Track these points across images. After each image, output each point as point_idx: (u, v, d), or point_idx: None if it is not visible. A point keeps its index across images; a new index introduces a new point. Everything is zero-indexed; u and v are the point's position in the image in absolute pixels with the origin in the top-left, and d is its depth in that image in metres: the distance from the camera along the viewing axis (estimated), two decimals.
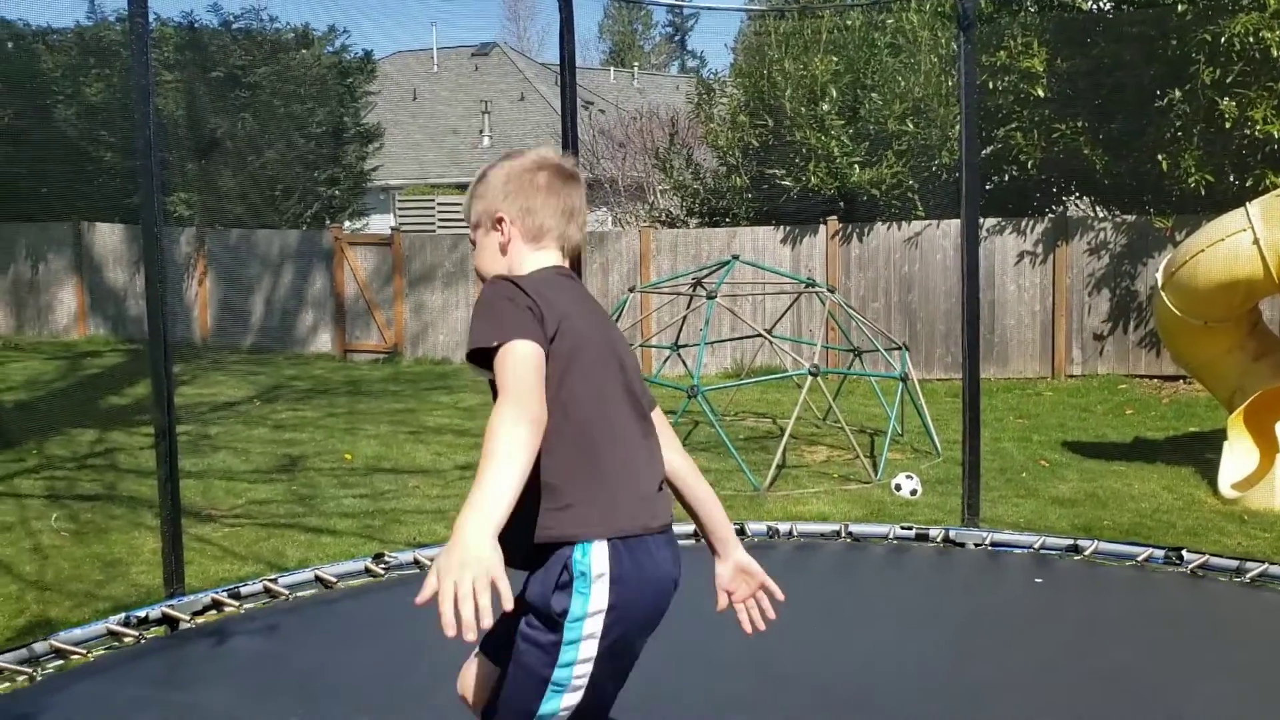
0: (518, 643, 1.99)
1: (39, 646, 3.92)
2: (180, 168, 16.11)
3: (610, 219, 18.40)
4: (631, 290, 10.14)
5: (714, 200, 14.77)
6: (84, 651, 3.97)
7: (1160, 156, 10.51)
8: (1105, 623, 4.31)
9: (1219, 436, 6.88)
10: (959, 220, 5.56)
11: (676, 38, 54.54)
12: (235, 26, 17.79)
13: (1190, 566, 4.85)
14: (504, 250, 2.16)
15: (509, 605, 1.67)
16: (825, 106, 12.66)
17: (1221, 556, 4.94)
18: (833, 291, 9.02)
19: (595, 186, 18.30)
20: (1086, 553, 5.09)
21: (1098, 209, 12.73)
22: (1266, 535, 5.72)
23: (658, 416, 2.21)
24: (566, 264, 2.20)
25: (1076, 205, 13.22)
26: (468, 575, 1.61)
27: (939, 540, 5.35)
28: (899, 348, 8.57)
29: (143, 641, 4.11)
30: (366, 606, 4.54)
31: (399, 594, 4.51)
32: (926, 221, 12.21)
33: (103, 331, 16.24)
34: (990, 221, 11.70)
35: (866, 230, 12.36)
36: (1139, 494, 6.69)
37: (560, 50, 5.49)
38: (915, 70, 12.47)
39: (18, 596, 4.79)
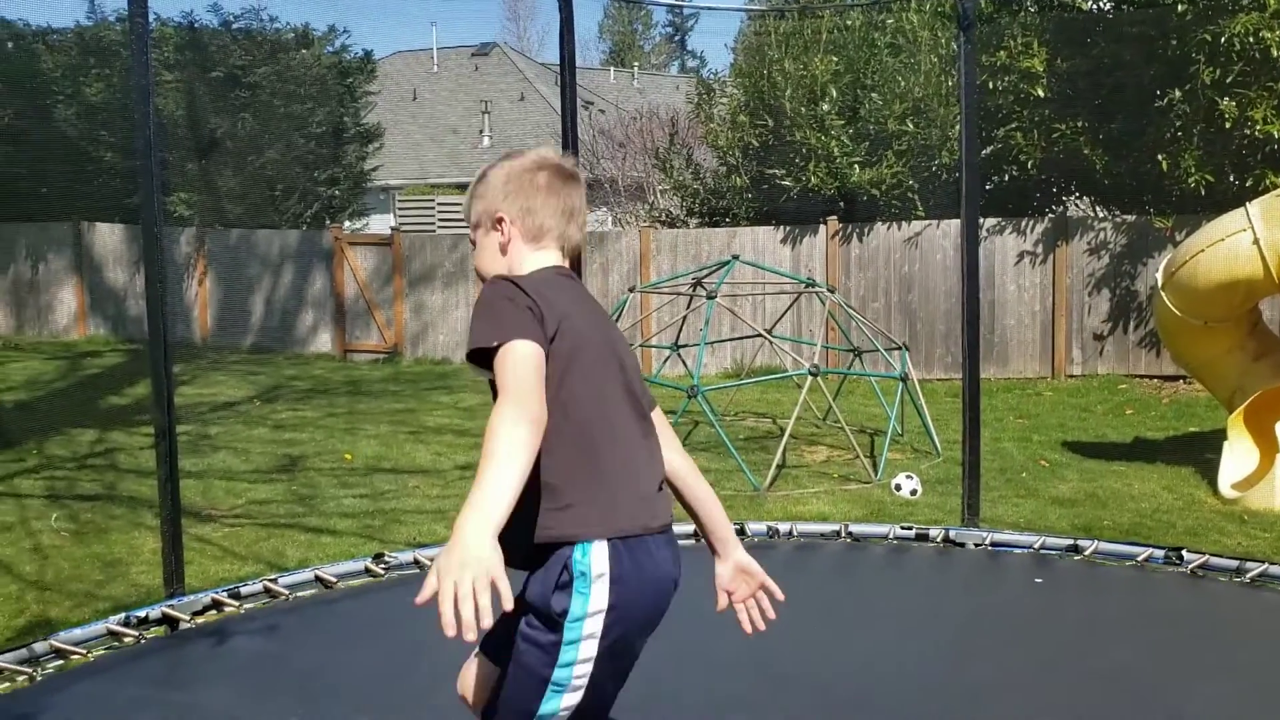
0: (518, 643, 1.99)
1: (39, 646, 3.92)
2: (180, 168, 16.11)
3: (610, 219, 18.40)
4: (631, 290, 10.14)
5: (714, 200, 14.77)
6: (84, 651, 3.97)
7: (1160, 156, 10.51)
8: (1105, 623, 4.31)
9: (1219, 436, 6.88)
10: (959, 220, 5.56)
11: (676, 38, 54.55)
12: (235, 26, 17.80)
13: (1190, 566, 4.85)
14: (504, 250, 2.15)
15: (509, 605, 1.67)
16: (825, 106, 12.66)
17: (1221, 556, 4.94)
18: (833, 291, 9.02)
19: (595, 186, 18.30)
20: (1086, 553, 5.09)
21: (1098, 209, 12.73)
22: (1266, 535, 5.72)
23: (657, 416, 2.21)
24: (566, 264, 2.20)
25: (1076, 205, 13.22)
26: (468, 575, 1.61)
27: (939, 540, 5.35)
28: (899, 348, 8.57)
29: (143, 641, 4.11)
30: (366, 607, 4.54)
31: (399, 594, 4.51)
32: (926, 221, 12.21)
33: (103, 331, 16.24)
34: (990, 221, 11.70)
35: (866, 230, 12.36)
36: (1139, 494, 6.69)
37: (560, 50, 5.49)
38: (915, 70, 12.47)
39: (18, 596, 4.79)
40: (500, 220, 2.15)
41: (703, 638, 3.95)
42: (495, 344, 1.89)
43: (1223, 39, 9.68)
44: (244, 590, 4.56)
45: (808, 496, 6.75)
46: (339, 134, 18.65)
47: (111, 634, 4.10)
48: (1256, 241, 6.15)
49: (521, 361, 1.88)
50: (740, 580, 2.30)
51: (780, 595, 2.31)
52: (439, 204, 19.98)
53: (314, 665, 3.90)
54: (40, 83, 16.34)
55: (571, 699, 1.98)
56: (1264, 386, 6.58)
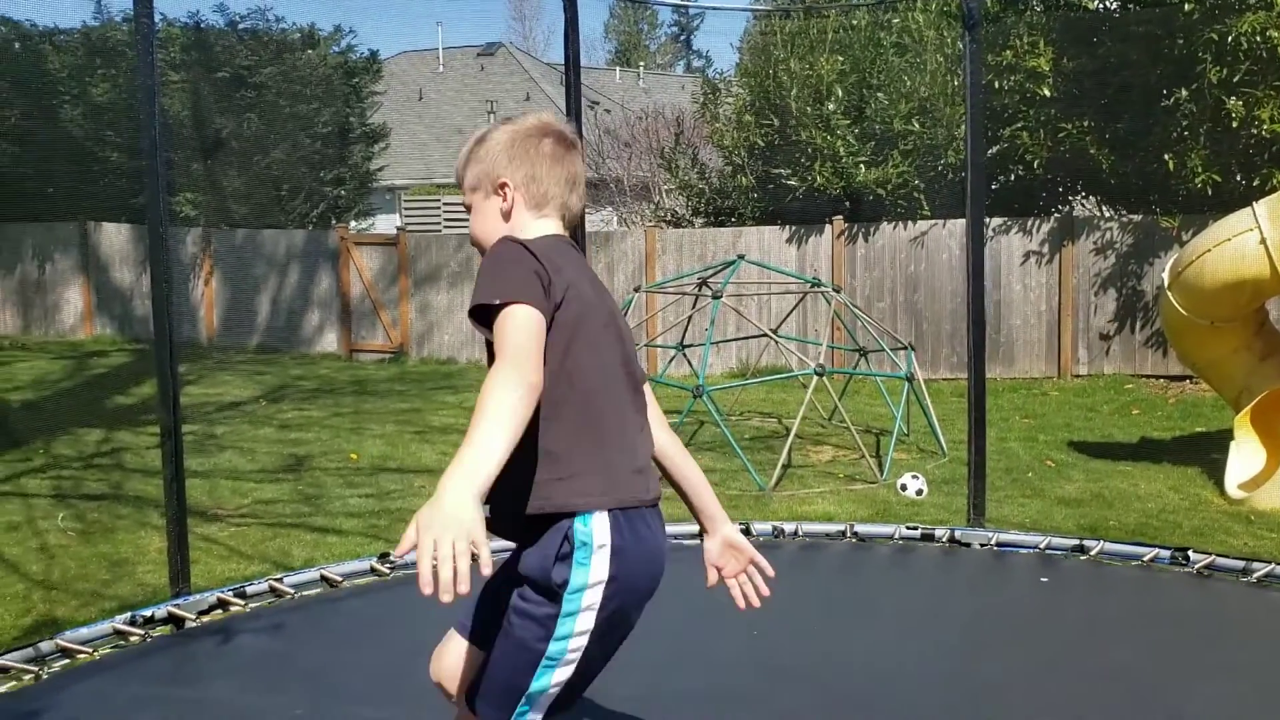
0: (510, 618, 1.96)
1: (45, 645, 3.92)
2: (186, 168, 16.14)
3: (616, 219, 18.40)
4: (637, 290, 10.14)
5: (719, 200, 14.77)
6: (90, 650, 3.97)
7: (1167, 156, 10.48)
8: (1111, 623, 4.30)
9: (1225, 436, 6.86)
10: (965, 220, 5.55)
11: (682, 37, 54.55)
12: (241, 27, 17.84)
13: (1196, 567, 4.84)
14: (506, 217, 2.12)
15: (487, 571, 1.61)
16: (831, 106, 12.65)
17: (1228, 557, 4.92)
18: (838, 291, 9.01)
19: (601, 186, 18.31)
20: (1092, 553, 5.08)
21: (1104, 208, 12.70)
22: (1273, 535, 5.70)
23: (646, 390, 2.19)
24: (566, 233, 2.16)
25: (1083, 205, 13.20)
26: (448, 536, 1.56)
27: (944, 540, 5.34)
28: (904, 348, 8.56)
29: (148, 640, 4.12)
30: (371, 606, 4.54)
31: (404, 593, 4.51)
32: (932, 221, 12.20)
33: (109, 331, 16.28)
34: (996, 221, 11.69)
35: (872, 230, 12.35)
36: (1145, 494, 6.68)
37: (565, 50, 5.49)
38: (921, 70, 12.46)
39: (24, 596, 4.80)
40: (503, 185, 2.11)
41: (705, 636, 3.95)
42: (497, 302, 1.86)
43: (1230, 38, 9.66)
44: (249, 589, 4.56)
45: (813, 496, 6.74)
46: (345, 134, 18.67)
47: (117, 633, 4.11)
48: (1263, 241, 6.13)
49: (521, 326, 1.84)
50: (729, 555, 2.29)
51: (770, 571, 2.29)
52: (444, 204, 19.99)
53: (319, 664, 3.90)
54: (46, 83, 16.39)
55: (563, 674, 1.95)
56: (1271, 386, 6.56)
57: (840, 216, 12.45)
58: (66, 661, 3.90)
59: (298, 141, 17.56)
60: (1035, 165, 11.42)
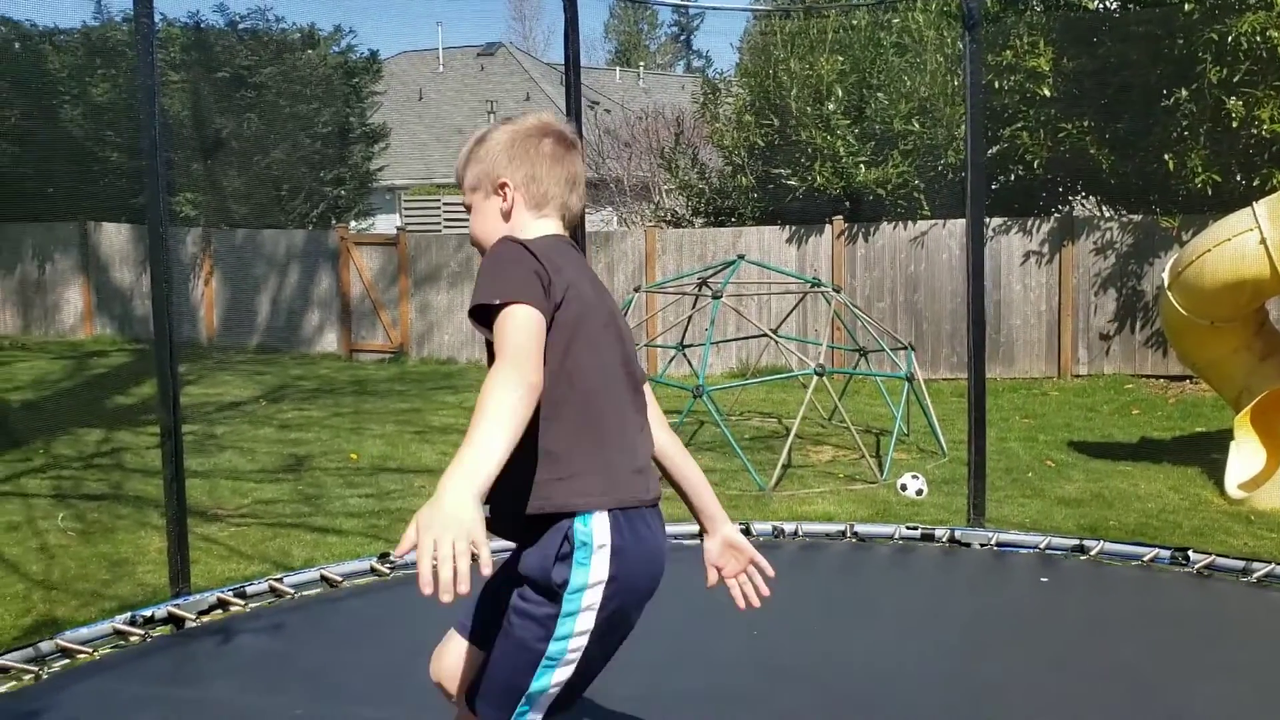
0: (510, 618, 1.96)
1: (45, 645, 3.92)
2: (186, 168, 16.14)
3: (616, 219, 18.40)
4: (637, 290, 10.14)
5: (719, 200, 14.77)
6: (90, 650, 3.97)
7: (1167, 156, 10.48)
8: (1111, 623, 4.30)
9: (1225, 436, 6.86)
10: (965, 220, 5.55)
11: (682, 37, 54.55)
12: (241, 27, 17.84)
13: (1196, 567, 4.84)
14: (506, 217, 2.12)
15: (487, 571, 1.61)
16: (831, 106, 12.65)
17: (1228, 557, 4.92)
18: (838, 291, 9.01)
19: (601, 186, 18.31)
20: (1092, 553, 5.08)
21: (1104, 209, 12.70)
22: (1273, 535, 5.70)
23: (646, 390, 2.19)
24: (566, 233, 2.16)
25: (1083, 205, 13.20)
26: (448, 536, 1.56)
27: (944, 540, 5.35)
28: (904, 348, 8.56)
29: (148, 640, 4.12)
30: (371, 606, 4.54)
31: (404, 593, 4.51)
32: (932, 221, 12.20)
33: (109, 331, 16.28)
34: (996, 221, 11.69)
35: (872, 230, 12.35)
36: (1145, 494, 6.68)
37: (565, 50, 5.49)
38: (921, 70, 12.46)
39: (24, 596, 4.80)
40: (503, 185, 2.11)
41: (705, 636, 3.95)
42: (498, 302, 1.86)
43: (1230, 38, 9.66)
44: (249, 589, 4.57)
45: (813, 496, 6.74)
46: (345, 134, 18.67)
47: (117, 633, 4.11)
48: (1263, 241, 6.13)
49: (521, 326, 1.84)
50: (729, 555, 2.29)
51: (770, 571, 2.29)
52: (444, 204, 20.01)
53: (319, 664, 3.90)
54: (46, 83, 16.39)
55: (563, 674, 1.95)
56: (1271, 386, 6.56)
57: (840, 216, 12.45)
58: (66, 661, 3.90)
59: (298, 141, 17.57)
60: (1035, 165, 11.42)
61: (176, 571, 4.45)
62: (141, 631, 4.14)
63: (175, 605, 4.31)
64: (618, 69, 37.22)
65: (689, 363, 10.48)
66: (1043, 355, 11.90)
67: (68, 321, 16.54)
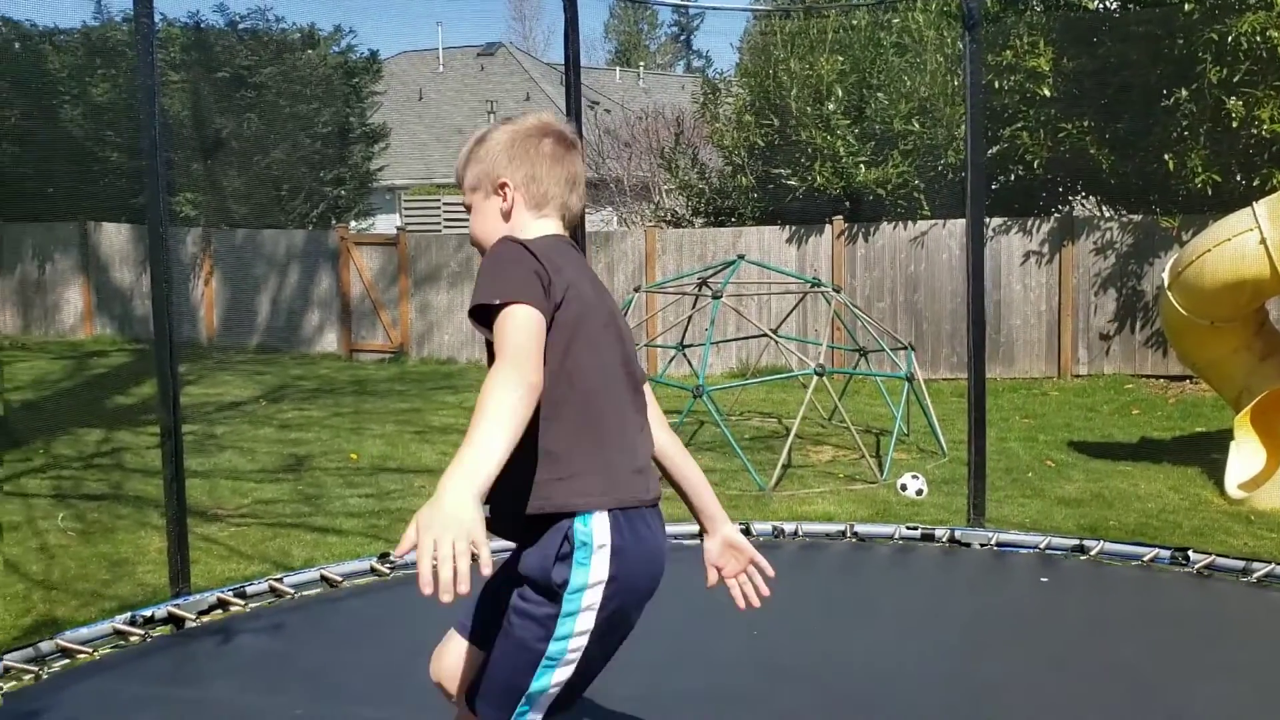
0: (510, 618, 1.96)
1: (45, 645, 3.92)
2: (186, 168, 16.14)
3: (616, 219, 18.40)
4: (637, 290, 10.15)
5: (719, 200, 14.77)
6: (90, 650, 3.97)
7: (1167, 156, 10.48)
8: (1111, 623, 4.30)
9: (1225, 436, 6.86)
10: (965, 220, 5.55)
11: (682, 37, 54.55)
12: (241, 27, 17.84)
13: (1196, 567, 4.84)
14: (506, 217, 2.12)
15: (487, 571, 1.62)
16: (831, 106, 12.65)
17: (1228, 557, 4.92)
18: (838, 291, 9.01)
19: (601, 186, 18.31)
20: (1092, 553, 5.08)
21: (1104, 209, 12.70)
22: (1273, 535, 5.70)
23: (646, 390, 2.19)
24: (566, 233, 2.17)
25: (1083, 205, 13.20)
26: (448, 536, 1.56)
27: (944, 540, 5.34)
28: (904, 348, 8.56)
29: (148, 640, 4.12)
30: (371, 606, 4.55)
31: (404, 593, 4.51)
32: (932, 221, 12.20)
33: (109, 331, 16.28)
34: (996, 221, 11.69)
35: (872, 230, 12.35)
36: (1145, 494, 6.68)
37: (565, 50, 5.49)
38: (921, 70, 12.46)
39: (24, 596, 4.81)
40: (503, 185, 2.11)
41: (705, 636, 3.95)
42: (498, 302, 1.86)
43: (1230, 38, 9.65)
44: (249, 589, 4.57)
45: (813, 496, 6.74)
46: (345, 134, 18.68)
47: (117, 633, 4.11)
48: (1263, 241, 6.13)
49: (521, 326, 1.84)
50: (729, 555, 2.29)
51: (770, 571, 2.29)
52: (444, 204, 20.01)
53: (319, 664, 3.90)
54: (46, 83, 16.39)
55: (563, 674, 1.95)
56: (1271, 386, 6.56)
57: (840, 216, 12.45)
58: (66, 661, 3.90)
59: (298, 141, 17.57)
60: (1035, 165, 11.42)
61: (176, 571, 4.45)
62: (141, 631, 4.14)
63: (175, 605, 4.31)
64: (618, 69, 37.22)
65: (689, 363, 10.48)
66: (1043, 355, 11.90)
67: (68, 321, 16.54)
